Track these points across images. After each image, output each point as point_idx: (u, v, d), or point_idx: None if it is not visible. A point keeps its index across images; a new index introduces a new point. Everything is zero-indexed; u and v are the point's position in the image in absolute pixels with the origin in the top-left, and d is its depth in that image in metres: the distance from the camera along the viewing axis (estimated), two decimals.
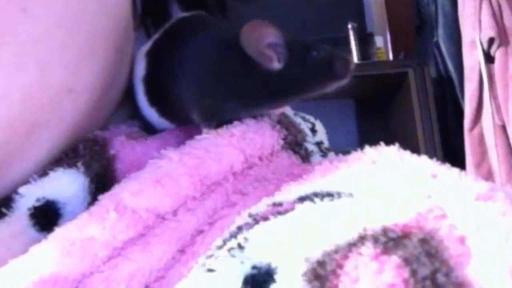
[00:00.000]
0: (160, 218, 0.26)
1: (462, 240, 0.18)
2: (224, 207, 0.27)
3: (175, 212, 0.26)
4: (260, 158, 0.29)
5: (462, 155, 1.74)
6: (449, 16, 1.89)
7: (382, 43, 2.09)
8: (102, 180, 0.28)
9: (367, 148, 0.26)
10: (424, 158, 0.24)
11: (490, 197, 0.20)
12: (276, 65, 0.28)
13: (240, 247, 0.21)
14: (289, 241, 0.21)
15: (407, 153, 0.25)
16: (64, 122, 0.28)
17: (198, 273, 0.22)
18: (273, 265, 0.20)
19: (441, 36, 1.91)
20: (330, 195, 0.23)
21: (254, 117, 0.30)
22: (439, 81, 1.90)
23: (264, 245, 0.21)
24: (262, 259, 0.20)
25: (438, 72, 1.92)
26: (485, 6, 1.70)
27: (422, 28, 2.00)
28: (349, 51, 1.96)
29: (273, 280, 0.19)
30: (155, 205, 0.25)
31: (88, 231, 0.24)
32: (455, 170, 0.22)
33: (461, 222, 0.19)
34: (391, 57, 2.10)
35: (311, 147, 0.32)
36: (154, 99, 0.31)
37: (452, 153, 1.72)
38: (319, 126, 0.34)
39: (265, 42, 0.27)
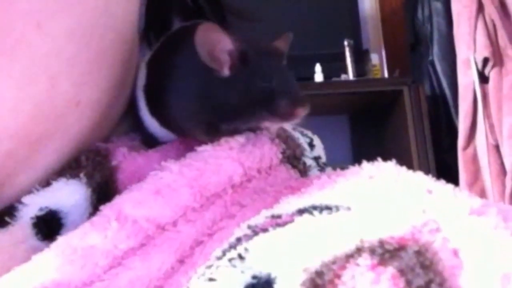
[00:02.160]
0: (160, 229, 0.26)
1: (455, 252, 0.19)
2: (223, 218, 0.27)
3: (175, 223, 0.26)
4: (259, 171, 0.29)
5: (455, 173, 1.74)
6: (444, 35, 1.90)
7: (378, 60, 2.10)
8: (103, 191, 0.28)
9: (365, 163, 0.26)
10: (420, 174, 0.25)
11: (483, 212, 0.20)
12: (225, 72, 0.28)
13: (240, 257, 0.22)
14: (288, 252, 0.21)
15: (404, 169, 0.25)
16: (70, 134, 0.28)
17: (199, 283, 0.22)
18: (272, 275, 0.20)
19: (436, 54, 1.93)
20: (328, 208, 0.23)
21: (254, 130, 0.30)
22: (433, 99, 1.92)
23: (264, 256, 0.21)
24: (262, 269, 0.21)
25: (432, 90, 1.94)
26: (480, 26, 1.71)
27: (417, 46, 2.02)
28: (345, 68, 1.97)
29: (269, 286, 0.20)
30: (156, 216, 0.26)
31: (89, 239, 0.25)
32: (450, 186, 0.23)
33: (454, 235, 0.19)
34: (386, 74, 2.11)
35: (309, 161, 0.32)
36: (155, 110, 0.31)
37: (445, 171, 1.72)
38: (317, 141, 0.34)
39: (217, 47, 0.27)
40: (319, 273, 0.19)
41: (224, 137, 0.29)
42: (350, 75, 1.98)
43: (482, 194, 1.69)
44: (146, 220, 0.26)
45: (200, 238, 0.26)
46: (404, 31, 2.07)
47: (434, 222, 0.20)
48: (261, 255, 0.22)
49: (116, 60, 0.29)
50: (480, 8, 1.73)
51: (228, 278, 0.21)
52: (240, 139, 0.29)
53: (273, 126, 0.30)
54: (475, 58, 1.72)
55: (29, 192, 0.27)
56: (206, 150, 0.28)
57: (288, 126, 0.33)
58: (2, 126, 0.25)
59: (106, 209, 0.26)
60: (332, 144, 2.00)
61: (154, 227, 0.26)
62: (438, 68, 1.92)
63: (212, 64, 0.27)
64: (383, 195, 0.23)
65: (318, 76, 1.92)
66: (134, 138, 0.33)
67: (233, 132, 0.29)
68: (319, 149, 0.34)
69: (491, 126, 1.70)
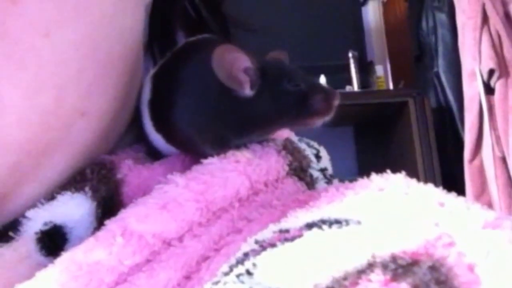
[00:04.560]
0: (166, 244, 0.26)
1: (471, 267, 0.18)
2: (230, 233, 0.27)
3: (181, 238, 0.26)
4: (266, 184, 0.29)
5: (462, 186, 1.73)
6: (449, 47, 1.90)
7: (382, 72, 2.10)
8: (108, 204, 0.28)
9: (374, 176, 0.26)
10: (430, 186, 0.24)
11: (497, 225, 0.20)
12: (248, 91, 0.27)
13: (248, 273, 0.21)
14: (298, 268, 0.21)
15: (413, 181, 0.25)
16: (76, 145, 0.28)
17: None
18: None
19: (441, 66, 1.92)
20: (338, 222, 0.23)
21: (260, 142, 0.30)
22: (439, 111, 1.91)
23: (273, 271, 0.21)
24: (271, 285, 0.20)
25: (438, 102, 1.93)
26: (485, 37, 1.71)
27: (421, 58, 2.01)
28: (350, 79, 1.97)
29: None
30: (162, 231, 0.25)
31: (94, 255, 0.24)
32: (462, 199, 0.23)
33: (469, 249, 0.19)
34: (391, 86, 2.10)
35: (315, 173, 0.32)
36: (160, 125, 0.31)
37: (452, 184, 1.71)
38: (323, 153, 0.34)
39: (235, 67, 0.27)
40: None
41: (231, 150, 0.28)
42: (355, 87, 1.98)
43: (489, 206, 1.67)
44: (152, 236, 0.25)
45: (207, 253, 0.26)
46: (409, 43, 2.07)
47: (448, 236, 0.20)
48: (270, 271, 0.21)
49: (122, 71, 0.29)
50: (485, 19, 1.73)
51: None
52: (246, 152, 0.29)
53: (309, 126, 0.29)
54: (480, 70, 1.71)
55: (33, 205, 0.27)
56: (212, 163, 0.28)
57: (294, 137, 0.33)
58: (10, 136, 0.25)
59: (111, 224, 0.25)
60: (337, 156, 1.99)
61: (160, 243, 0.25)
62: (444, 79, 1.91)
63: (232, 85, 0.27)
64: (394, 208, 0.23)
65: None
66: (139, 150, 0.32)
67: (239, 145, 0.29)
68: (326, 161, 0.34)
69: (498, 138, 1.68)
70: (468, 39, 1.75)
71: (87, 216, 0.27)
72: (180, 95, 0.29)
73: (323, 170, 0.33)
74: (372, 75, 2.06)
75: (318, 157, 0.33)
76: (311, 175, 0.31)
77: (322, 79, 1.92)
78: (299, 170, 0.31)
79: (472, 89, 1.74)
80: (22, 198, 0.27)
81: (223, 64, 0.27)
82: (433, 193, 0.23)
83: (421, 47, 2.01)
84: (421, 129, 1.80)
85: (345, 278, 0.19)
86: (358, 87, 1.98)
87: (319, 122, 0.29)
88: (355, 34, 2.18)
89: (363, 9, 2.29)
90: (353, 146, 2.19)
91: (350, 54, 1.99)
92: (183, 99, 0.29)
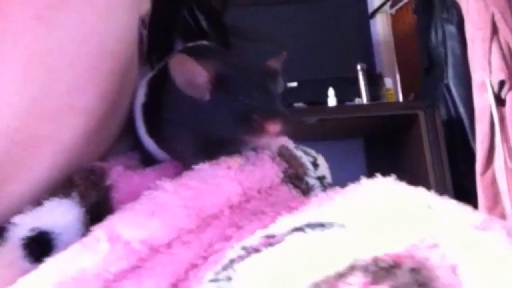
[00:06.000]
0: (154, 251, 0.25)
1: (453, 269, 0.18)
2: (219, 241, 0.26)
3: (169, 245, 0.25)
4: (259, 191, 0.28)
5: (474, 199, 1.71)
6: (458, 58, 1.89)
7: (392, 84, 2.09)
8: (97, 211, 0.27)
9: (364, 180, 0.26)
10: (421, 189, 0.24)
11: (485, 227, 0.20)
12: (204, 97, 0.27)
13: (228, 279, 0.21)
14: (277, 273, 0.20)
15: (403, 184, 0.25)
16: (63, 141, 0.27)
17: None
18: None
19: (451, 78, 1.91)
20: (322, 225, 0.22)
21: (254, 149, 0.29)
22: (449, 123, 1.89)
23: (252, 277, 0.21)
24: None
25: (448, 114, 1.92)
26: (495, 49, 1.70)
27: (431, 69, 2.01)
28: (358, 92, 1.96)
29: None
30: (149, 237, 0.25)
31: (80, 262, 0.24)
32: (453, 202, 0.22)
33: (453, 251, 0.19)
34: (400, 98, 2.10)
35: (312, 181, 0.31)
36: (152, 130, 0.30)
37: (464, 197, 1.69)
38: (321, 161, 0.33)
39: (191, 76, 0.27)
40: None
41: (223, 157, 0.28)
42: (364, 99, 1.97)
43: (502, 218, 1.65)
44: (140, 242, 0.24)
45: (195, 261, 0.25)
46: (418, 55, 2.07)
47: (432, 238, 0.19)
48: (249, 277, 0.21)
49: (114, 69, 0.29)
50: (495, 30, 1.72)
51: None
52: (238, 158, 0.28)
53: (260, 143, 0.29)
54: (491, 81, 1.70)
55: (19, 211, 0.26)
56: (203, 169, 0.27)
57: (290, 144, 0.32)
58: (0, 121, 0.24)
59: (98, 230, 0.25)
60: (347, 168, 1.98)
61: (148, 249, 0.25)
62: (454, 91, 1.90)
63: (192, 93, 0.27)
64: (380, 212, 0.22)
65: (332, 100, 1.92)
66: (132, 157, 0.32)
67: (232, 152, 0.29)
68: (324, 169, 0.33)
69: (510, 150, 1.67)
70: (478, 51, 1.75)
71: (75, 222, 0.27)
72: (167, 102, 0.29)
73: (320, 178, 0.32)
74: (381, 88, 2.05)
75: (315, 165, 0.33)
76: (307, 183, 0.31)
77: (331, 92, 1.92)
78: (295, 177, 0.30)
79: (483, 101, 1.73)
80: (8, 198, 0.26)
81: (181, 74, 0.27)
82: (422, 196, 0.23)
83: (431, 59, 2.00)
84: (432, 141, 1.79)
85: (325, 282, 0.19)
86: (368, 100, 1.97)
87: (255, 141, 0.28)
88: (364, 46, 2.19)
89: (371, 21, 2.30)
90: (364, 159, 2.18)
91: (358, 67, 1.99)
92: (169, 106, 0.29)
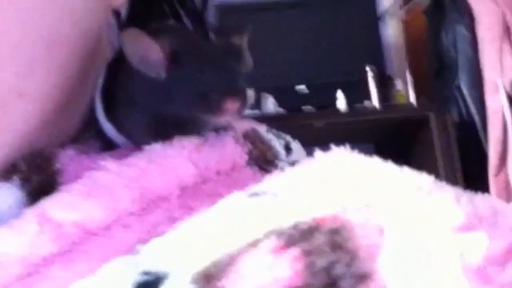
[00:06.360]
0: (90, 234, 0.24)
1: (380, 230, 0.17)
2: (166, 223, 0.25)
3: (108, 228, 0.24)
4: (218, 173, 0.28)
5: None
6: (470, 59, 1.87)
7: (402, 86, 2.07)
8: (43, 195, 0.26)
9: (318, 152, 0.25)
10: (375, 159, 0.23)
11: (431, 191, 0.19)
12: (160, 75, 0.26)
13: (137, 252, 0.21)
14: (186, 245, 0.20)
15: (357, 154, 0.24)
16: (14, 129, 0.26)
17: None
18: (167, 270, 0.19)
19: (462, 79, 1.89)
20: (255, 194, 0.22)
21: (216, 130, 0.29)
22: (461, 126, 1.87)
23: (160, 251, 0.20)
24: (156, 265, 0.19)
25: (460, 116, 1.89)
26: (506, 48, 1.68)
27: (442, 71, 1.99)
28: (368, 95, 1.95)
29: (161, 283, 0.19)
30: (84, 219, 0.24)
31: (3, 245, 0.23)
32: (406, 168, 0.22)
33: (382, 212, 0.18)
34: (411, 100, 2.08)
35: (285, 165, 0.30)
36: (111, 114, 0.30)
37: None
38: (295, 145, 0.32)
39: (145, 52, 0.26)
40: (215, 263, 0.18)
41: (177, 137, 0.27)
42: (374, 102, 1.95)
43: None
44: (73, 224, 0.23)
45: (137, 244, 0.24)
46: (429, 56, 2.05)
47: (366, 202, 0.19)
48: (158, 251, 0.20)
49: (72, 56, 0.28)
50: (506, 30, 1.70)
51: (117, 274, 0.20)
52: (195, 139, 0.27)
53: (220, 123, 0.28)
54: (503, 82, 1.68)
55: None
56: (153, 149, 0.26)
57: (262, 128, 0.31)
58: None
59: (28, 212, 0.24)
60: None
61: (82, 232, 0.24)
62: (465, 93, 1.88)
63: (146, 70, 0.26)
64: (318, 179, 0.22)
65: (341, 103, 1.91)
66: (94, 145, 0.31)
67: (190, 133, 0.28)
68: (299, 154, 0.32)
69: None
70: (489, 51, 1.73)
71: (14, 207, 0.26)
72: (124, 82, 0.29)
73: (294, 164, 0.31)
74: (392, 90, 2.03)
75: (288, 149, 0.31)
76: (277, 166, 0.30)
77: (340, 94, 1.90)
78: (263, 160, 0.29)
79: (495, 102, 1.71)
80: None
81: (135, 50, 0.26)
82: (370, 163, 0.22)
83: (442, 60, 1.98)
84: (444, 143, 1.77)
85: (240, 251, 0.18)
86: (378, 102, 1.96)
87: (214, 120, 0.28)
88: (373, 49, 2.17)
89: (382, 23, 2.28)
90: None
91: (368, 69, 1.98)
92: (125, 85, 0.29)
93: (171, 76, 0.26)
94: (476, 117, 1.85)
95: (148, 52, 0.26)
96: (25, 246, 0.23)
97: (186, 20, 0.36)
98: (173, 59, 0.26)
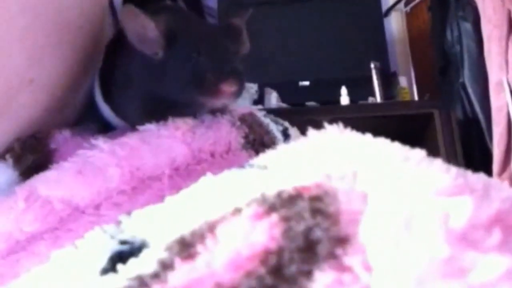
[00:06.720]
0: (79, 212, 0.24)
1: (364, 197, 0.17)
2: (156, 202, 0.25)
3: (97, 206, 0.24)
4: (212, 155, 0.27)
5: None
6: (474, 57, 1.86)
7: (406, 83, 2.07)
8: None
9: (311, 131, 0.24)
10: (367, 136, 0.23)
11: (419, 161, 0.19)
12: (158, 53, 0.26)
13: (118, 223, 0.20)
14: (166, 214, 0.20)
15: (350, 131, 0.23)
16: (23, 115, 0.26)
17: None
18: (146, 239, 0.19)
19: (467, 77, 1.88)
20: (241, 167, 0.22)
21: (213, 113, 0.29)
22: (465, 123, 1.86)
23: (141, 220, 0.20)
24: (135, 235, 0.19)
25: (464, 114, 1.89)
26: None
27: (447, 68, 1.98)
28: (372, 91, 1.94)
29: (139, 252, 0.18)
30: (73, 197, 0.24)
31: None
32: (396, 143, 0.21)
33: (368, 180, 0.18)
34: (415, 97, 2.07)
35: None
36: (109, 95, 0.30)
37: None
38: (293, 132, 0.32)
39: (144, 31, 0.26)
40: (194, 231, 0.18)
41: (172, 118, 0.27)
42: (378, 98, 1.95)
43: None
44: (61, 201, 0.23)
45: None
46: (433, 53, 2.04)
47: (350, 170, 0.19)
48: (139, 220, 0.20)
49: (78, 40, 0.27)
50: (511, 27, 1.69)
51: (94, 243, 0.19)
52: (189, 120, 0.27)
53: (215, 105, 0.28)
54: (508, 80, 1.67)
55: None
56: (147, 130, 0.26)
57: (259, 112, 0.31)
58: None
59: (18, 189, 0.24)
60: None
61: (70, 210, 0.24)
62: (470, 91, 1.87)
63: (144, 49, 0.26)
64: (311, 154, 0.21)
65: (344, 99, 1.90)
66: (92, 128, 0.31)
67: (186, 115, 0.27)
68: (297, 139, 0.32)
69: None
70: (494, 49, 1.72)
71: (6, 186, 0.26)
72: (121, 62, 0.28)
73: None
74: (396, 87, 2.03)
75: (286, 134, 0.31)
76: None
77: (344, 91, 1.90)
78: (259, 144, 0.29)
79: (500, 100, 1.70)
80: None
81: (134, 28, 0.26)
82: (361, 139, 0.22)
83: (446, 57, 1.97)
84: (447, 141, 1.77)
85: (220, 220, 0.18)
86: (381, 99, 1.95)
87: (210, 102, 0.27)
88: (378, 45, 2.17)
89: (386, 19, 2.27)
90: None
91: (372, 65, 1.97)
92: (122, 66, 0.28)
93: (167, 55, 0.26)
94: (480, 115, 1.84)
95: (144, 30, 0.26)
96: (10, 222, 0.23)
97: (181, 2, 0.36)
98: (170, 38, 0.26)
